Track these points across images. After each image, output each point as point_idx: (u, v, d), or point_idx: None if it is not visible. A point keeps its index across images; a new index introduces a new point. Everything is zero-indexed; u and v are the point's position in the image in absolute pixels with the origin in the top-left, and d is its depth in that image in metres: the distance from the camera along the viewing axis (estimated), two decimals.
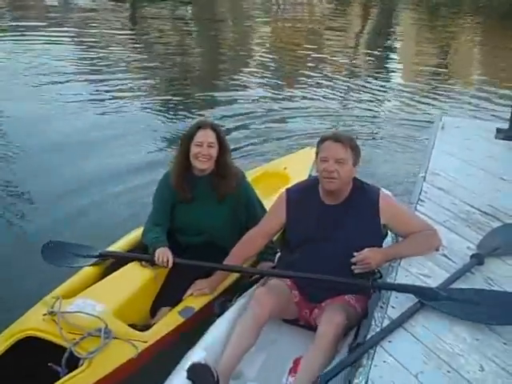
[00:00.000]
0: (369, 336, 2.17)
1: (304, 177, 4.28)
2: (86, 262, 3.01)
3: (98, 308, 2.51)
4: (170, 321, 2.68)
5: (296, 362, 2.35)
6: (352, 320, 2.44)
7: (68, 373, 2.27)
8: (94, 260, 3.01)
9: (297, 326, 2.70)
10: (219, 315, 2.59)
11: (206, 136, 2.90)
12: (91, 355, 2.30)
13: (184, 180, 2.99)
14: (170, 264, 2.80)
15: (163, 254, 2.81)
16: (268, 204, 3.14)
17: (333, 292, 2.58)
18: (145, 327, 2.64)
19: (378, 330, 2.17)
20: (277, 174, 4.30)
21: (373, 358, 2.02)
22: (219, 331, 2.49)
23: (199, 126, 2.94)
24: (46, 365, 2.31)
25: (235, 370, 2.35)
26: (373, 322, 2.25)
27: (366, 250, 2.51)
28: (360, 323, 2.49)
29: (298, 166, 4.44)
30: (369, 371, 1.96)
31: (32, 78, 8.26)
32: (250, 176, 3.72)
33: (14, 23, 12.27)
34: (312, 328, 2.59)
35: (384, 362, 2.01)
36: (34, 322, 2.43)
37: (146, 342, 2.50)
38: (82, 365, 2.28)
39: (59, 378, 2.25)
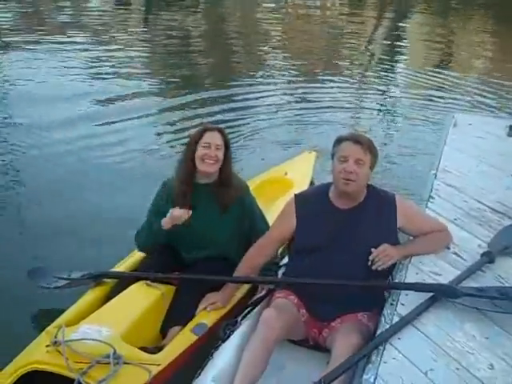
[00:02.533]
0: (378, 332, 2.18)
1: (306, 181, 4.31)
2: (78, 284, 2.94)
3: (103, 333, 2.35)
4: (182, 340, 2.56)
5: None
6: (366, 340, 2.31)
7: None
8: (88, 281, 2.91)
9: (305, 348, 2.57)
10: (224, 339, 2.44)
11: (214, 138, 2.84)
12: None
13: (187, 187, 2.89)
14: (190, 212, 2.73)
15: (177, 210, 2.73)
16: (274, 211, 3.10)
17: (343, 309, 2.48)
18: (156, 349, 2.50)
19: (388, 327, 2.17)
20: (278, 181, 4.26)
21: (382, 355, 2.03)
22: (227, 357, 2.33)
23: (206, 129, 2.88)
24: None
25: None
26: (382, 319, 2.25)
27: (383, 245, 2.48)
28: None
29: (299, 171, 4.42)
30: (378, 367, 1.96)
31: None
32: (251, 185, 3.64)
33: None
34: (321, 348, 2.52)
35: (393, 358, 2.01)
36: (37, 355, 2.29)
37: (159, 364, 2.35)
38: None
39: None
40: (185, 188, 2.89)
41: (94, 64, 8.87)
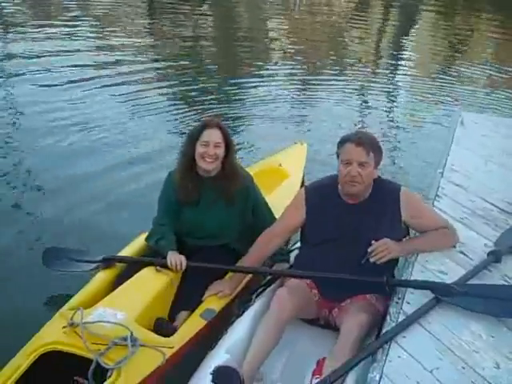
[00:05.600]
0: (384, 331, 2.18)
1: (300, 172, 4.37)
2: (88, 267, 2.99)
3: (118, 316, 2.43)
4: (192, 324, 2.65)
5: (319, 363, 2.29)
6: (374, 320, 2.40)
7: None
8: (98, 265, 2.97)
9: (316, 326, 2.65)
10: (239, 315, 2.57)
11: (213, 135, 2.82)
12: (120, 365, 2.19)
13: (189, 181, 2.90)
14: (184, 267, 2.77)
15: (176, 257, 2.77)
16: (271, 201, 3.15)
17: (352, 291, 2.54)
18: (170, 324, 2.61)
19: (393, 325, 2.17)
20: (274, 172, 4.28)
21: (387, 353, 2.03)
22: (241, 332, 2.46)
23: (205, 125, 2.85)
24: (69, 379, 2.26)
25: (257, 373, 2.30)
26: (388, 318, 2.26)
27: (384, 239, 2.49)
28: (381, 324, 2.39)
29: (293, 162, 4.45)
30: (383, 366, 1.97)
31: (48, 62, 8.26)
32: None
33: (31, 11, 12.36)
34: (331, 327, 2.58)
35: (399, 357, 2.01)
36: (55, 336, 2.34)
37: (171, 347, 2.44)
38: (110, 376, 2.19)
39: None
40: (186, 182, 2.92)
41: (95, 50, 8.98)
